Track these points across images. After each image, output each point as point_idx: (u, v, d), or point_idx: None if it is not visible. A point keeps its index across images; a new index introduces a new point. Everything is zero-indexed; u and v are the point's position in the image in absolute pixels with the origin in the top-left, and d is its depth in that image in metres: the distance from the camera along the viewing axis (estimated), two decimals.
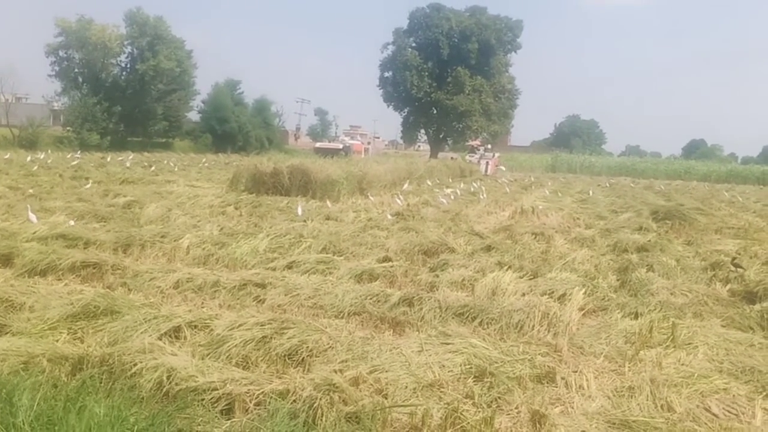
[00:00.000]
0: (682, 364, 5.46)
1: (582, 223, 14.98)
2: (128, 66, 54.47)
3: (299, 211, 13.83)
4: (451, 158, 46.25)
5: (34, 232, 9.55)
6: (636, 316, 6.87)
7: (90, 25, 50.68)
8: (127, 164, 29.14)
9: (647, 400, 4.65)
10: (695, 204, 19.69)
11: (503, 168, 46.35)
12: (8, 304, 5.93)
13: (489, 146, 49.54)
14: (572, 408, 4.54)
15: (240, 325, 5.47)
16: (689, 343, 6.01)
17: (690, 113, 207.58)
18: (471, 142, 54.94)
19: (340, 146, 49.00)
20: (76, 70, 52.36)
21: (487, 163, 42.07)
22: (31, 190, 16.09)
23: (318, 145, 52.85)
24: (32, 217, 10.77)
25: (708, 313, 7.23)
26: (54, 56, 51.46)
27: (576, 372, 5.12)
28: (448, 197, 19.77)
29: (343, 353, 5.18)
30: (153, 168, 27.72)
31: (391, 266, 8.69)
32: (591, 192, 26.64)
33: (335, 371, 4.73)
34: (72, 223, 10.64)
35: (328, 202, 16.35)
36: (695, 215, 15.76)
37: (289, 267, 8.53)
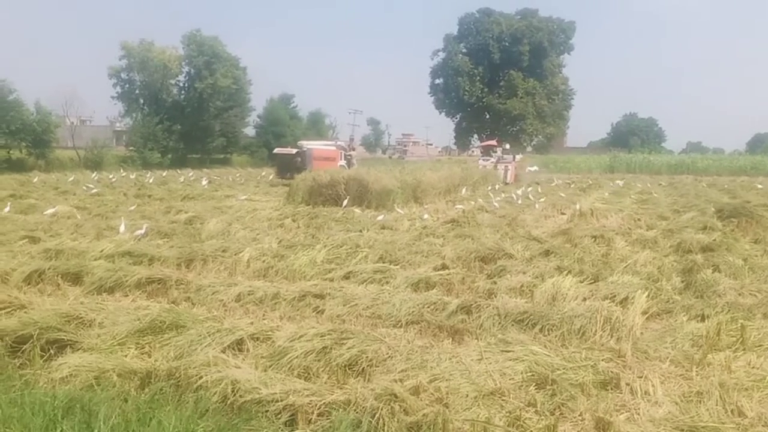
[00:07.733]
0: (753, 367, 5.29)
1: (643, 224, 14.61)
2: (186, 85, 56.16)
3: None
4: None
5: (102, 250, 9.89)
6: (702, 318, 6.69)
7: (151, 47, 52.60)
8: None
9: (716, 405, 4.52)
10: (762, 201, 18.99)
11: (535, 168, 41.28)
12: (79, 321, 6.14)
13: (507, 146, 40.21)
14: (638, 414, 4.44)
15: (300, 337, 5.54)
16: (759, 345, 5.82)
17: (754, 107, 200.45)
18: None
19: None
20: (137, 91, 54.36)
21: (506, 167, 34.79)
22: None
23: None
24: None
25: None
26: (117, 78, 53.54)
27: (641, 377, 5.00)
28: (501, 202, 19.64)
29: (403, 363, 5.19)
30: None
31: (448, 274, 8.68)
32: (652, 192, 26.00)
33: (395, 381, 4.74)
34: (142, 231, 11.47)
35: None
36: (762, 212, 15.16)
37: (346, 277, 8.61)
